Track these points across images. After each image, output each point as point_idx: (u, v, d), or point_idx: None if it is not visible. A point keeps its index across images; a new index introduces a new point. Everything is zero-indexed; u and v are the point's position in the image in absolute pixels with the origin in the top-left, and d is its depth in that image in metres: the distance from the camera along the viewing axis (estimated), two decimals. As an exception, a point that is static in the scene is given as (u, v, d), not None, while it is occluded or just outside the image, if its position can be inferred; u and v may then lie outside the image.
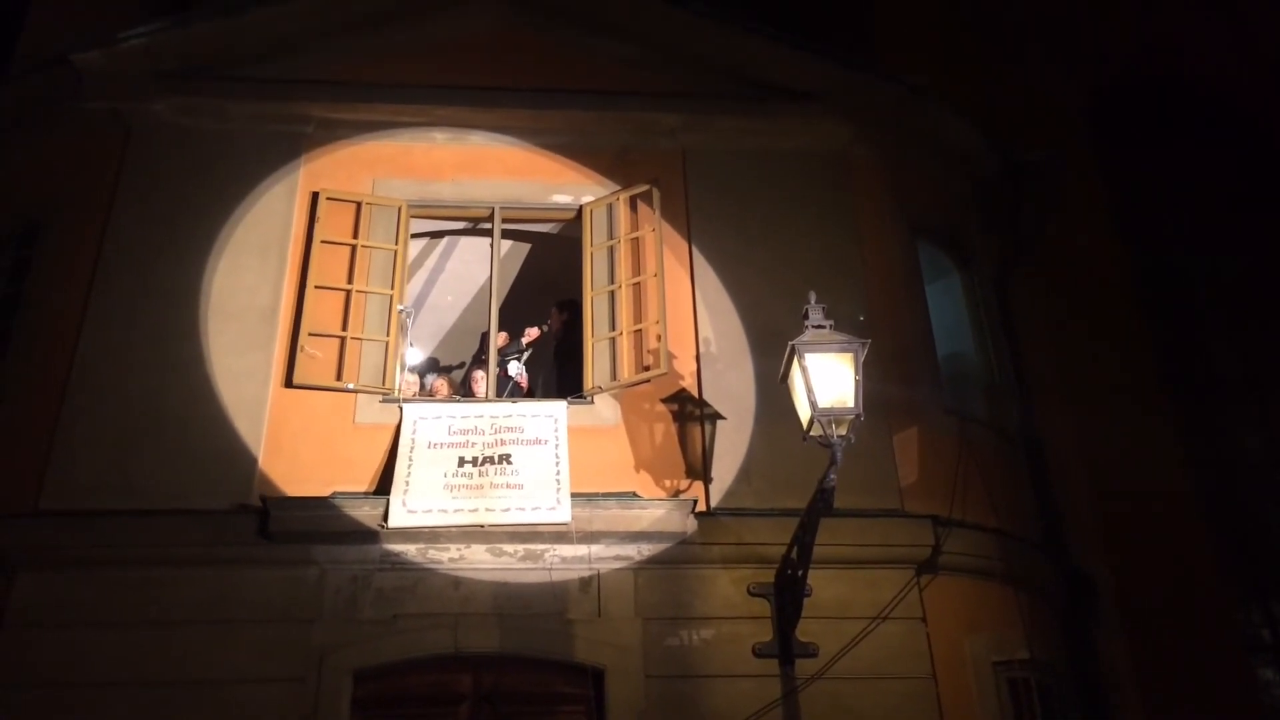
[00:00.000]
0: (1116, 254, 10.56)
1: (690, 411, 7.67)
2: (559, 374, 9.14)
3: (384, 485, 7.09)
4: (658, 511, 7.06)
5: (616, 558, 7.04)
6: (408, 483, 6.98)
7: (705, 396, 7.69)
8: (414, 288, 10.21)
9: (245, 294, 7.76)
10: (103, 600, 6.63)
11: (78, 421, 7.16)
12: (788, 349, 6.23)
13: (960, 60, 11.37)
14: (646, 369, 7.74)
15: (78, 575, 6.69)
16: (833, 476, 6.01)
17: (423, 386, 9.50)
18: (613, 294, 8.10)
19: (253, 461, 7.15)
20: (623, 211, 8.41)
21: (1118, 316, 10.12)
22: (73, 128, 8.43)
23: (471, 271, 10.19)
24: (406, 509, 6.87)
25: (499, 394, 8.52)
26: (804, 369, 6.06)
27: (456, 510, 6.90)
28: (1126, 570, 8.79)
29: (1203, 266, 11.33)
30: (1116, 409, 9.40)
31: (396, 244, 8.14)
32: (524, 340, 9.71)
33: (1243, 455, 10.51)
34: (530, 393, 9.19)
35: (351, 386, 7.51)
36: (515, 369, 9.36)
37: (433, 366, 10.74)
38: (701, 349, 7.89)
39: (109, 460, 7.04)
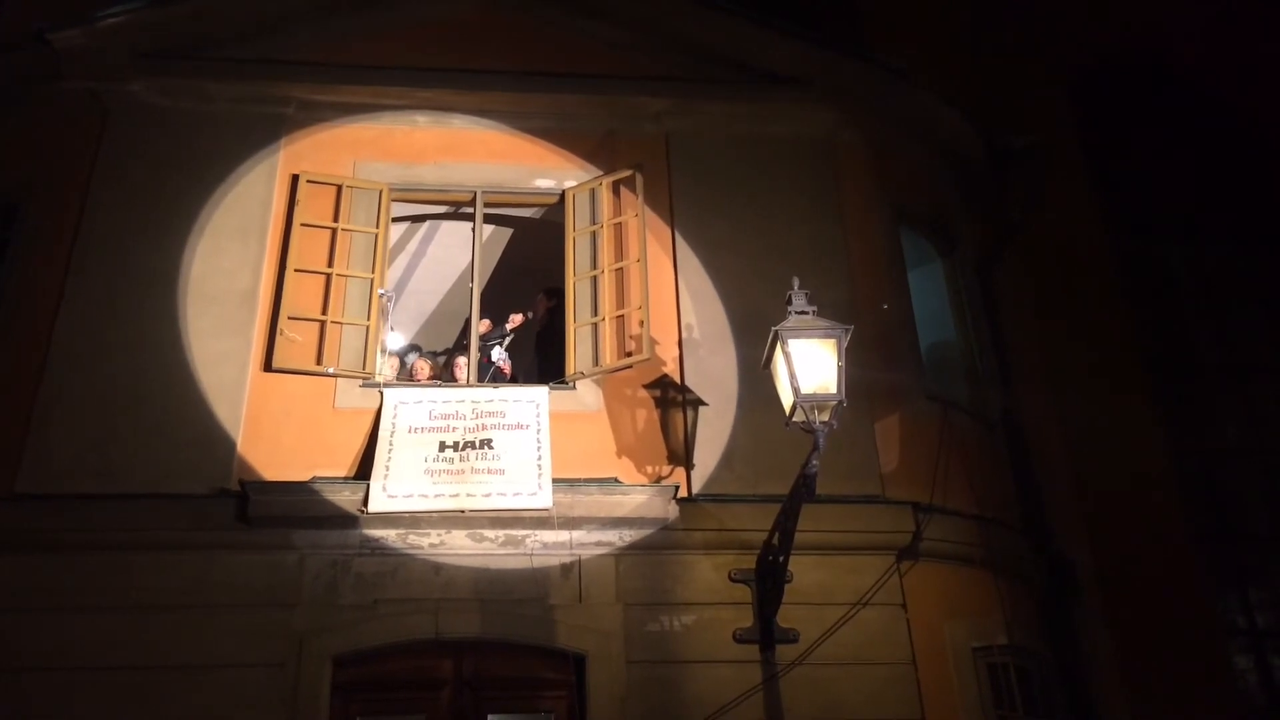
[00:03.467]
0: (1100, 241, 10.57)
1: (673, 397, 7.65)
2: (541, 360, 9.11)
3: (364, 470, 7.05)
4: (640, 497, 7.04)
5: (598, 543, 7.03)
6: (388, 468, 6.95)
7: (688, 382, 7.68)
8: (395, 272, 10.15)
9: (224, 277, 7.69)
10: (80, 585, 6.57)
11: (55, 404, 7.09)
12: (771, 334, 6.22)
13: (946, 46, 11.36)
14: (629, 354, 7.71)
15: (54, 560, 6.63)
16: (815, 462, 6.01)
17: (403, 365, 9.46)
18: (595, 279, 8.07)
19: (231, 446, 7.10)
20: (606, 196, 8.36)
21: (1100, 303, 10.13)
22: (50, 108, 8.31)
23: (453, 256, 10.13)
24: (387, 494, 6.84)
25: (481, 380, 8.48)
26: (787, 355, 6.05)
27: (437, 495, 6.87)
28: (1107, 556, 8.83)
29: (1186, 253, 11.37)
30: (1098, 395, 9.42)
31: (378, 227, 8.08)
32: (509, 326, 9.67)
33: (1223, 441, 10.57)
34: (513, 379, 9.16)
35: (332, 371, 7.47)
36: (498, 355, 9.32)
37: (414, 351, 10.68)
38: (684, 334, 7.87)
39: (86, 444, 6.98)
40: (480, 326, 8.69)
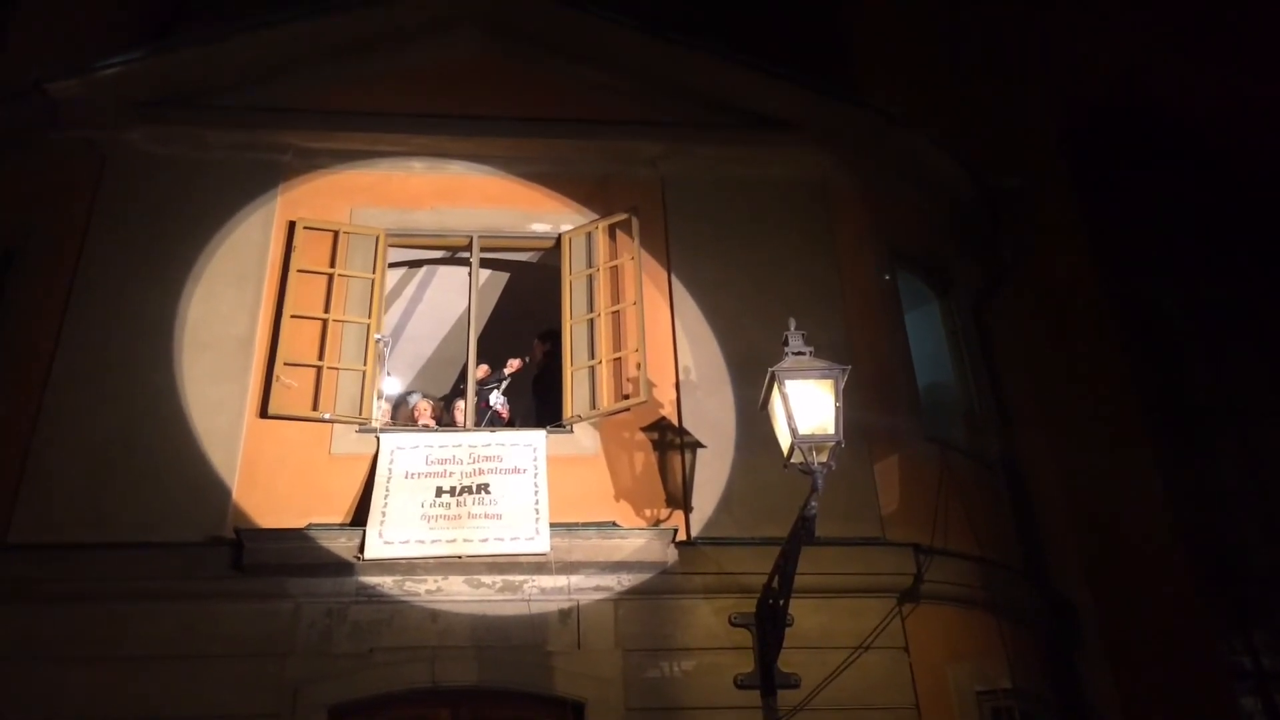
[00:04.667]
0: (1093, 282, 10.62)
1: (670, 440, 7.62)
2: (538, 404, 9.09)
3: (360, 516, 6.99)
4: (638, 541, 6.99)
5: (596, 588, 6.96)
6: (384, 513, 6.89)
7: (685, 425, 7.65)
8: (392, 317, 10.15)
9: (221, 323, 7.68)
10: (72, 635, 6.49)
11: (49, 452, 7.05)
12: (768, 376, 6.20)
13: (939, 89, 11.47)
14: (626, 397, 7.69)
15: (47, 610, 6.55)
16: (814, 504, 5.97)
17: (396, 411, 9.43)
18: (592, 322, 8.07)
19: (227, 493, 7.05)
20: (602, 240, 8.39)
21: (1096, 344, 10.15)
22: (47, 156, 8.36)
23: (450, 301, 10.15)
24: (383, 540, 6.78)
25: (479, 424, 8.44)
26: (784, 396, 6.03)
27: (434, 541, 6.81)
28: (1109, 597, 8.77)
29: (1179, 294, 11.42)
30: (1096, 436, 9.42)
31: (374, 273, 8.08)
32: (506, 371, 9.67)
33: (1222, 482, 10.55)
34: (510, 423, 9.13)
35: (328, 416, 7.43)
36: (496, 399, 9.30)
37: (413, 395, 10.65)
38: (681, 377, 7.86)
39: (80, 492, 6.92)
40: (478, 371, 8.68)
